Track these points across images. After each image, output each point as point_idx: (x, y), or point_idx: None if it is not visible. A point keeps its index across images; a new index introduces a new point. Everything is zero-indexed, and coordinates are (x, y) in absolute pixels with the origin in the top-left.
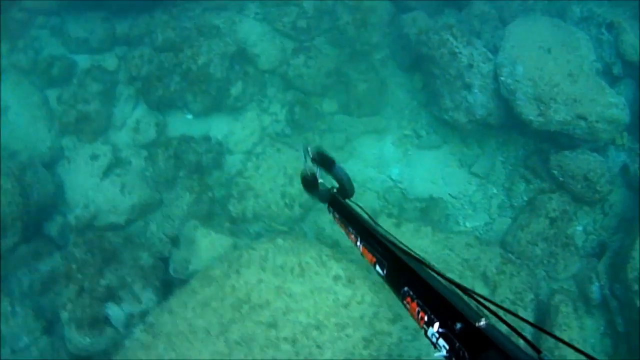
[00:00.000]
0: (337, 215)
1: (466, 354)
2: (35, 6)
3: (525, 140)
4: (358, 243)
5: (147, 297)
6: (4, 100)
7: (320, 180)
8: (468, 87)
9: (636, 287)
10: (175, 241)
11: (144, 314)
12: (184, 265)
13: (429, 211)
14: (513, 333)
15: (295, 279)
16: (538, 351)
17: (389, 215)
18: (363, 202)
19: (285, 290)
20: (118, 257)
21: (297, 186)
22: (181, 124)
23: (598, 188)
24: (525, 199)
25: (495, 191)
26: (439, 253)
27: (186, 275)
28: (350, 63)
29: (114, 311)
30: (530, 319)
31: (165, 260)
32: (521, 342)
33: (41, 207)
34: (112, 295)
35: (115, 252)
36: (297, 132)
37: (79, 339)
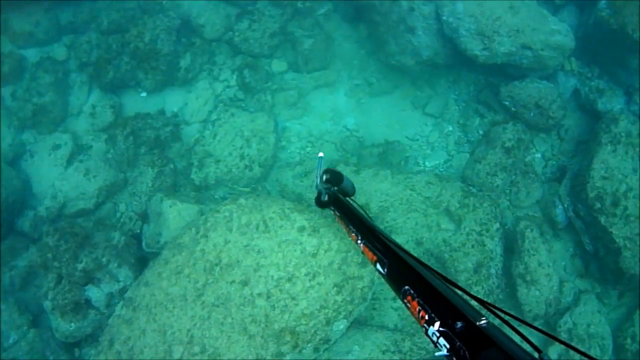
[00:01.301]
0: (338, 214)
1: (467, 352)
2: None
3: (474, 76)
4: (359, 241)
5: (124, 274)
6: None
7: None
8: (411, 30)
9: (598, 205)
10: (144, 217)
11: (122, 291)
12: (155, 238)
13: (388, 155)
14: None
15: (262, 235)
16: (539, 350)
17: (347, 163)
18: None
19: (253, 247)
20: (91, 240)
21: (255, 147)
22: (137, 103)
23: (551, 114)
24: (481, 132)
25: (450, 129)
26: (400, 194)
27: (158, 248)
28: (294, 21)
29: (94, 293)
30: (499, 249)
31: (137, 237)
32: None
33: (10, 204)
34: (90, 278)
35: (87, 236)
36: (249, 95)
37: (65, 326)
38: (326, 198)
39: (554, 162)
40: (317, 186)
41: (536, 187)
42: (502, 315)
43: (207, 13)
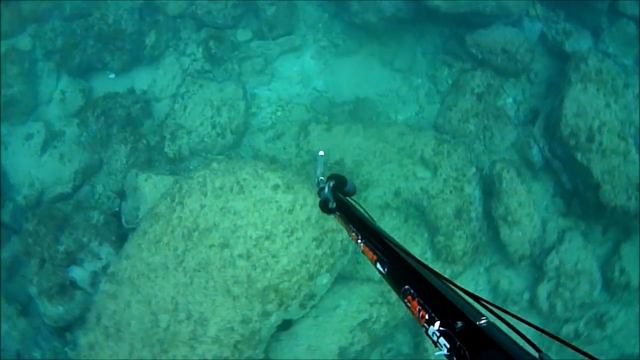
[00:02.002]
0: (338, 213)
1: (467, 352)
2: None
3: (440, 28)
4: (359, 241)
5: (106, 251)
6: None
7: (321, 178)
8: None
9: (573, 142)
10: (122, 194)
11: (106, 269)
12: (134, 213)
13: (359, 111)
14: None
15: (237, 197)
16: (539, 350)
17: (318, 121)
18: (293, 118)
19: (229, 209)
20: (70, 221)
21: (226, 115)
22: (106, 85)
23: (518, 58)
24: (450, 82)
25: (420, 81)
26: (374, 147)
27: (137, 223)
28: None
29: (78, 273)
30: (477, 192)
31: (117, 215)
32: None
33: None
34: (72, 259)
35: (66, 218)
36: (216, 66)
37: (53, 310)
38: (334, 205)
39: (526, 106)
40: (319, 190)
41: (510, 131)
42: (502, 315)
43: None
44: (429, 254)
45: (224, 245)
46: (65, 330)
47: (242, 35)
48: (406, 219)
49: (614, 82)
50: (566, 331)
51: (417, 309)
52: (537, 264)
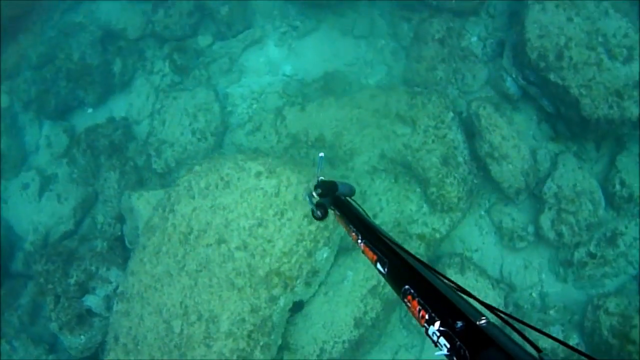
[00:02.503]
0: (338, 213)
1: (467, 352)
2: None
3: None
4: (359, 241)
5: (114, 274)
6: None
7: (321, 178)
8: None
9: (542, 64)
10: (120, 218)
11: (117, 290)
12: (134, 233)
13: (330, 86)
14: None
15: (223, 192)
16: (539, 350)
17: (292, 104)
18: (268, 107)
19: (218, 206)
20: (76, 254)
21: (203, 119)
22: (86, 120)
23: None
24: (412, 35)
25: (383, 42)
26: (349, 115)
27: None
28: None
29: (92, 301)
30: (460, 136)
31: (120, 238)
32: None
33: None
34: (85, 289)
35: (71, 252)
36: (184, 75)
37: (76, 341)
38: (320, 214)
39: (492, 40)
40: (309, 200)
41: (480, 68)
42: (503, 315)
43: (124, 16)
44: (425, 208)
45: (220, 241)
46: (94, 359)
47: (203, 40)
48: (396, 178)
49: None
50: (578, 256)
51: (417, 308)
52: (535, 194)
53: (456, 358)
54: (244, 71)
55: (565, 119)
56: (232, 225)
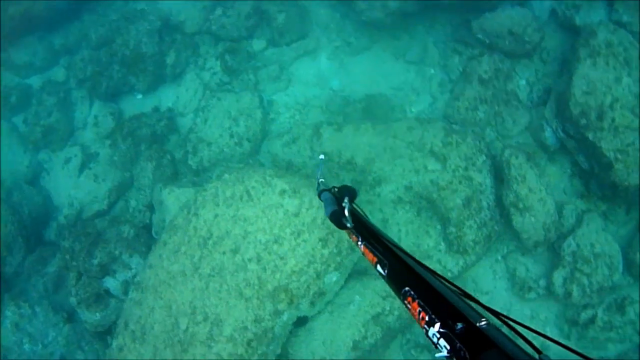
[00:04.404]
0: (353, 231)
1: (467, 354)
2: None
3: (449, 16)
4: (359, 243)
5: (136, 262)
6: None
7: (321, 180)
8: None
9: (584, 121)
10: (151, 207)
11: (135, 277)
12: (161, 225)
13: (372, 108)
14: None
15: (246, 204)
16: (539, 352)
17: (330, 123)
18: (309, 120)
19: (239, 217)
20: (103, 236)
21: (243, 124)
22: (134, 105)
23: (526, 39)
24: (461, 69)
25: (432, 71)
26: (383, 143)
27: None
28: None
29: (111, 283)
30: (488, 181)
31: (148, 227)
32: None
33: (35, 219)
34: (106, 271)
35: (99, 234)
36: (234, 77)
37: (92, 317)
38: (352, 224)
39: (540, 86)
40: (319, 192)
41: (522, 114)
42: (503, 318)
43: (184, 9)
44: (442, 246)
45: (236, 251)
46: (106, 333)
47: (257, 44)
48: (419, 212)
49: (626, 54)
50: (585, 317)
51: (418, 310)
52: (555, 249)
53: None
54: (292, 80)
55: (598, 179)
56: (250, 237)
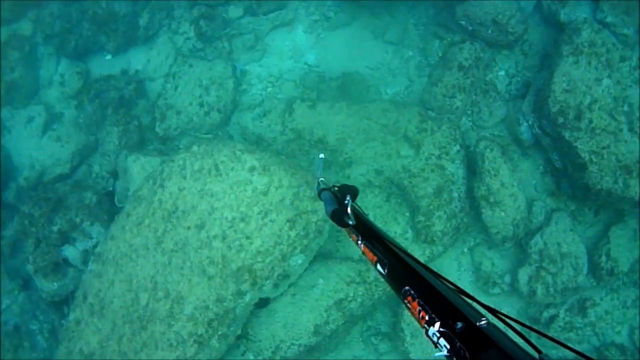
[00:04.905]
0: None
1: (467, 353)
2: None
3: None
4: (359, 242)
5: (97, 231)
6: None
7: (321, 179)
8: None
9: (561, 119)
10: (115, 174)
11: (95, 247)
12: (124, 193)
13: (347, 87)
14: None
15: (214, 179)
16: (539, 351)
17: (303, 99)
18: (282, 94)
19: (206, 191)
20: (64, 202)
21: (214, 94)
22: (103, 66)
23: (510, 29)
24: (441, 55)
25: (411, 54)
26: (357, 124)
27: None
28: None
29: (70, 252)
30: (461, 171)
31: (110, 194)
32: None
33: None
34: (66, 239)
35: (60, 200)
36: (207, 44)
37: (48, 286)
38: (354, 222)
39: (519, 79)
40: (319, 191)
41: (499, 106)
42: (503, 317)
43: None
44: (410, 234)
45: (201, 227)
46: (63, 303)
47: (234, 12)
48: (388, 197)
49: (609, 55)
50: (546, 316)
51: (417, 309)
52: (522, 245)
53: (456, 359)
54: (267, 51)
55: (571, 179)
56: (216, 214)
